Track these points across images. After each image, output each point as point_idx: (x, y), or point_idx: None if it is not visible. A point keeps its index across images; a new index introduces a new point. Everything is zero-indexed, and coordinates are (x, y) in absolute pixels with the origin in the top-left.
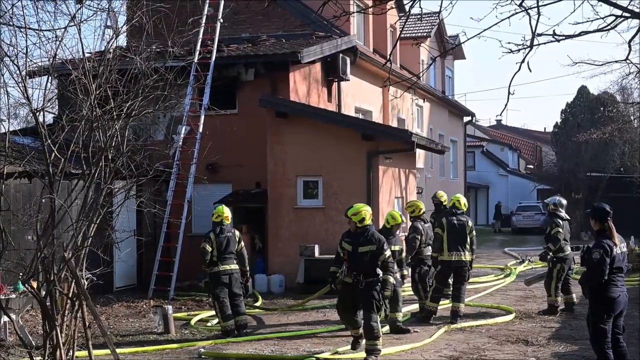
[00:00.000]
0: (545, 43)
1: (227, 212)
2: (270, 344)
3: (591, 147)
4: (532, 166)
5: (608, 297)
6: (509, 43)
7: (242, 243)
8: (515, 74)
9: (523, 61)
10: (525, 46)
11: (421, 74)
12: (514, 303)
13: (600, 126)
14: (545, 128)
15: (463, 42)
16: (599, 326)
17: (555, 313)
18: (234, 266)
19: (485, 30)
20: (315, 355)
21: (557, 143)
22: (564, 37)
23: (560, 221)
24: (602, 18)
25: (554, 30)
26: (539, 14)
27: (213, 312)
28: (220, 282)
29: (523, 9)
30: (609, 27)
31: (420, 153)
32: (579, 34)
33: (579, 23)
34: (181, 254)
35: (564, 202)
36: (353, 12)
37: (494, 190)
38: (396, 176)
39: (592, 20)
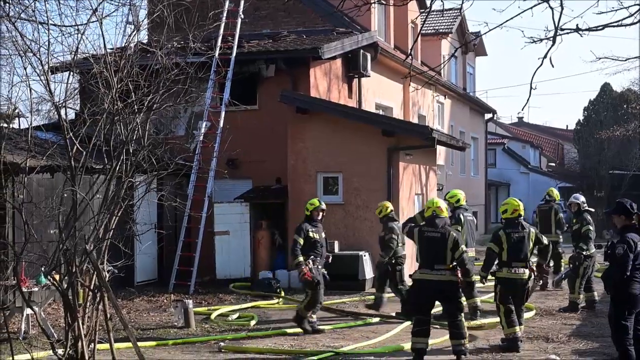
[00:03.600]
0: (568, 32)
1: (314, 204)
2: (290, 338)
3: (614, 144)
4: (553, 164)
5: (630, 293)
6: (532, 38)
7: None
8: (538, 68)
9: (545, 56)
10: (548, 37)
11: (442, 66)
12: (534, 300)
13: (623, 123)
14: (567, 125)
15: (484, 34)
16: (621, 323)
17: (576, 310)
18: (301, 259)
19: (507, 20)
20: (335, 350)
21: (579, 140)
22: (587, 30)
23: (590, 219)
24: (626, 8)
25: (577, 25)
26: (562, 7)
27: (232, 307)
28: None
29: (545, 0)
30: (632, 17)
31: (440, 150)
32: (602, 27)
33: (603, 13)
34: (201, 249)
35: (582, 198)
36: (374, 2)
37: (515, 188)
38: (416, 173)
39: (616, 10)
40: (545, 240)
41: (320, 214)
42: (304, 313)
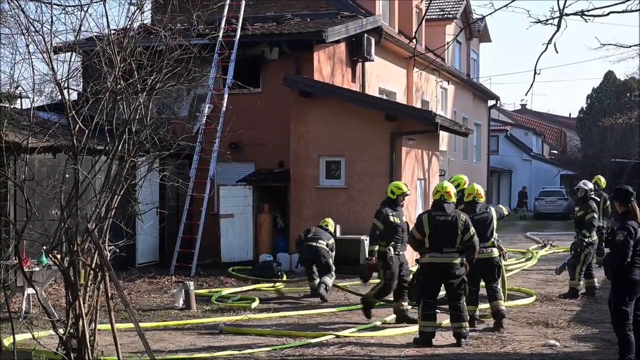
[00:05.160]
0: (573, 14)
1: (402, 189)
2: (291, 320)
3: (616, 132)
4: (556, 151)
5: (630, 279)
6: (537, 18)
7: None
8: (542, 53)
9: (550, 41)
10: (553, 17)
11: (446, 47)
12: (534, 286)
13: (626, 111)
14: (570, 113)
15: (490, 14)
16: (621, 308)
17: (576, 296)
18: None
19: (513, 0)
20: (335, 333)
21: (582, 128)
22: (591, 16)
23: (595, 206)
24: None
25: (582, 10)
26: None
27: (233, 290)
28: None
29: None
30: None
31: (443, 135)
32: (608, 13)
33: None
34: (203, 231)
35: (590, 185)
36: None
37: (517, 175)
38: (419, 158)
39: None
40: (505, 211)
41: (405, 198)
42: (373, 300)
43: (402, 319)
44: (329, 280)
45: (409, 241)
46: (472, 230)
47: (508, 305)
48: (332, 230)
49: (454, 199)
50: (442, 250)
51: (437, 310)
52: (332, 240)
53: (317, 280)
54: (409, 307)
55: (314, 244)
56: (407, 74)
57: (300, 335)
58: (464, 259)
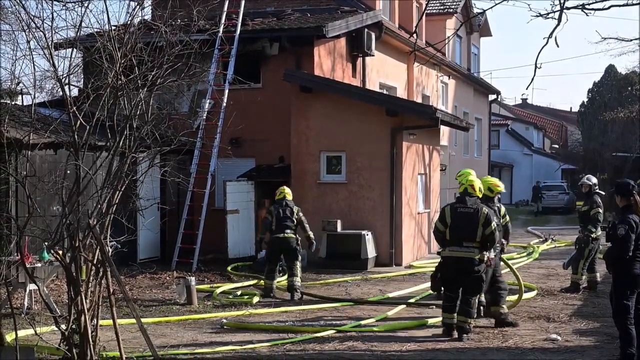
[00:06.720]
0: (573, 7)
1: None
2: (292, 315)
3: (617, 126)
4: (557, 146)
5: (632, 273)
6: (538, 11)
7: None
8: (543, 47)
9: (551, 35)
10: (554, 10)
11: (447, 42)
12: (536, 280)
13: (627, 105)
14: (571, 108)
15: (490, 8)
16: (622, 302)
17: (578, 291)
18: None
19: None
20: (337, 328)
21: (583, 122)
22: (592, 10)
23: (600, 201)
24: None
25: (583, 4)
26: None
27: (234, 285)
28: None
29: None
30: None
31: (444, 130)
32: (609, 7)
33: None
34: (203, 227)
35: (595, 179)
36: None
37: (518, 169)
38: (420, 152)
39: None
40: None
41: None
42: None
43: (502, 323)
44: (298, 273)
45: (434, 234)
46: (494, 224)
47: (508, 300)
48: (291, 198)
49: (478, 193)
50: (462, 244)
51: (457, 303)
52: (298, 215)
53: (276, 281)
54: (506, 310)
55: (281, 235)
56: (408, 68)
57: (301, 331)
58: (484, 255)
